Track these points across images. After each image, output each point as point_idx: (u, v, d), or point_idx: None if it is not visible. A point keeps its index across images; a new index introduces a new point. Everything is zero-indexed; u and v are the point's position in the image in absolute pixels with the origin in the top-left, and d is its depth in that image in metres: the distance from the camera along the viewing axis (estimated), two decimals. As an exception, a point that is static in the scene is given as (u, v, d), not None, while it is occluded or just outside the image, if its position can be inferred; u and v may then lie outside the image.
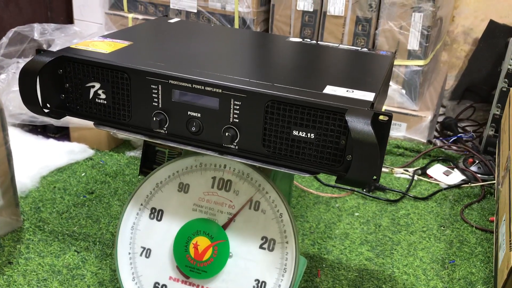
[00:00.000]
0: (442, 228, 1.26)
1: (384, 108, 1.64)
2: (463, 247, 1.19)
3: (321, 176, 1.45)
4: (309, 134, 0.66)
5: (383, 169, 1.53)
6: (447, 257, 1.15)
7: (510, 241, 0.93)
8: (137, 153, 1.51)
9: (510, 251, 0.92)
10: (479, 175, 1.49)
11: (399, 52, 1.59)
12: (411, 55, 1.59)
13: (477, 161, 1.53)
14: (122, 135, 1.34)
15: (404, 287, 1.04)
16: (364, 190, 1.39)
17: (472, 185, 1.45)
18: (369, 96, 0.67)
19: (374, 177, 0.65)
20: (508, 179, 1.15)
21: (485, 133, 1.65)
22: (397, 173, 1.52)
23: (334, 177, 0.67)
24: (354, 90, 0.69)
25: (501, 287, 0.94)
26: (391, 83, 1.61)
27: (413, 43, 1.58)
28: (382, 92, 0.77)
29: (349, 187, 1.40)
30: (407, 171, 1.52)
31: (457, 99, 2.07)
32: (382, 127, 0.62)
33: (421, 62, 1.59)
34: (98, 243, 1.09)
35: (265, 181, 0.81)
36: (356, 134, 0.60)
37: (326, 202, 1.34)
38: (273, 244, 0.81)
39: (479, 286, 1.06)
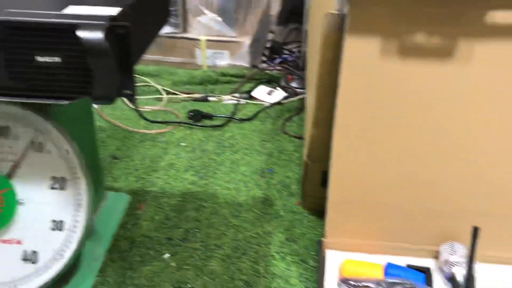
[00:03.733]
0: (264, 142, 1.33)
1: (205, 38, 1.65)
2: (281, 156, 1.27)
3: (149, 114, 1.44)
4: (54, 58, 0.63)
5: (211, 98, 1.56)
6: (267, 167, 1.22)
7: (308, 149, 1.01)
8: None
9: (308, 156, 1.00)
10: (299, 90, 1.59)
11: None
12: (222, -18, 1.60)
13: (296, 77, 1.62)
14: None
15: (225, 200, 1.09)
16: (191, 120, 1.42)
17: (292, 99, 1.55)
18: (112, 10, 0.65)
19: (129, 92, 0.64)
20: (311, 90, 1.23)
21: (302, 50, 1.75)
22: (225, 100, 1.56)
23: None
24: (100, 7, 0.67)
25: (301, 179, 1.03)
26: (206, 11, 1.62)
27: (222, -30, 1.58)
28: (145, 12, 0.76)
29: (178, 121, 1.41)
30: (234, 96, 1.57)
31: (284, 23, 2.15)
32: (122, 40, 0.62)
33: (232, -12, 1.60)
34: None
35: (44, 121, 0.77)
36: (90, 49, 0.59)
37: (152, 138, 1.33)
38: (63, 183, 0.79)
39: (293, 186, 1.15)
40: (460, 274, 0.79)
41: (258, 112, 1.47)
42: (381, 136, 0.79)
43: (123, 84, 0.64)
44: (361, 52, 0.74)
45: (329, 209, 0.86)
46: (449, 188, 0.81)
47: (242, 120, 1.44)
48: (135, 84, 0.64)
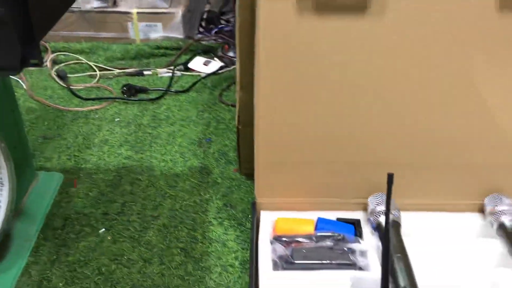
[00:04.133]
0: (201, 113, 1.33)
1: (136, 10, 1.61)
2: (219, 125, 1.27)
3: (82, 92, 1.41)
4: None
5: (147, 72, 1.53)
6: (204, 137, 1.22)
7: (238, 113, 1.01)
8: None
9: (238, 121, 1.00)
10: (235, 59, 1.58)
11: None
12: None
13: (232, 46, 1.62)
14: None
15: (161, 172, 1.09)
16: (125, 95, 1.39)
17: (229, 69, 1.54)
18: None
19: (35, 61, 0.62)
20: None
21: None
22: (160, 74, 1.54)
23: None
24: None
25: (236, 143, 1.04)
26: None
27: None
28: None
29: (112, 96, 1.38)
30: (170, 69, 1.55)
31: (220, -7, 2.12)
32: (21, 8, 0.59)
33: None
34: None
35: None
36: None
37: (85, 116, 1.30)
38: (-18, 162, 0.77)
39: (231, 153, 1.15)
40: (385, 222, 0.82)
41: (194, 83, 1.46)
42: (302, 94, 0.80)
43: (28, 54, 0.62)
44: (276, 11, 0.74)
45: (258, 171, 0.87)
46: (372, 142, 0.84)
47: (178, 92, 1.42)
48: (41, 53, 0.62)
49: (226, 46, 1.62)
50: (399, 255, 0.75)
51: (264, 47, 0.76)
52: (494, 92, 0.80)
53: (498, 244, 0.81)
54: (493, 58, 0.77)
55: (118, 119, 1.29)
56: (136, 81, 1.47)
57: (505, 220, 0.81)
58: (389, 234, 0.67)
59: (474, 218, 0.87)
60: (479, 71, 0.78)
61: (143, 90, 1.42)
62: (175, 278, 0.83)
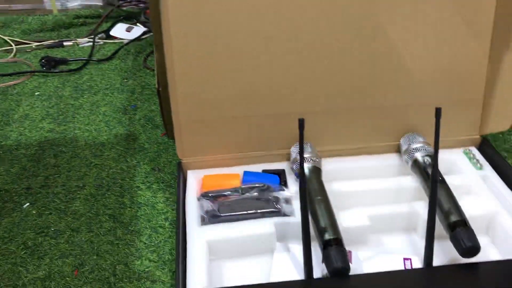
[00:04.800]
0: (125, 80, 1.30)
1: (49, -21, 1.54)
2: (144, 90, 1.25)
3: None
4: None
5: (67, 43, 1.47)
6: (129, 104, 1.20)
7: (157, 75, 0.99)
8: None
9: (158, 83, 0.99)
10: (158, 23, 1.54)
11: None
12: None
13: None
14: None
15: (86, 143, 1.06)
16: (44, 68, 1.33)
17: (152, 34, 1.51)
18: None
19: None
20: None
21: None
22: (81, 43, 1.48)
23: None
24: None
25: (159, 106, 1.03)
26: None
27: None
28: None
29: (30, 70, 1.33)
30: (91, 38, 1.49)
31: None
32: None
33: None
34: None
35: None
36: None
37: (3, 92, 1.25)
38: None
39: (157, 118, 1.14)
40: (308, 169, 0.84)
41: (117, 51, 1.42)
42: (215, 49, 0.80)
43: None
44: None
45: (181, 130, 0.87)
46: (288, 92, 0.85)
47: (100, 61, 1.38)
48: None
49: (148, 11, 1.58)
50: (319, 197, 0.77)
51: (173, 2, 0.75)
52: (400, 34, 0.83)
53: (413, 180, 0.85)
54: None
55: (38, 92, 1.24)
56: (56, 53, 1.42)
57: (418, 156, 0.85)
58: (304, 176, 0.70)
59: (392, 159, 0.91)
60: (385, 13, 0.80)
61: (64, 62, 1.37)
62: (104, 244, 0.83)
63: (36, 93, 1.23)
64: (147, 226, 0.86)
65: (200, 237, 0.76)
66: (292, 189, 0.85)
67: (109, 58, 1.39)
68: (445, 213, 0.74)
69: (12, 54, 1.42)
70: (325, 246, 0.70)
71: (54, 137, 1.08)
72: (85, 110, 1.17)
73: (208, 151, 0.89)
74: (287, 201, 0.83)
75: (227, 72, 0.83)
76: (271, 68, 0.83)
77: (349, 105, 0.86)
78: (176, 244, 0.74)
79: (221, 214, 0.79)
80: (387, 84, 0.85)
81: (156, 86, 1.00)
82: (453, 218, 0.73)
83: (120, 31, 1.51)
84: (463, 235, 0.70)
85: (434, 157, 0.70)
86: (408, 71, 0.85)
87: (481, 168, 0.88)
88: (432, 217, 0.69)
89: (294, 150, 0.88)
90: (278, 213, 0.80)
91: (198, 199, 0.84)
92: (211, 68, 0.82)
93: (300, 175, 0.69)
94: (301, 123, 0.67)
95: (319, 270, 0.71)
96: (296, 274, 0.73)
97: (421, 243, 0.72)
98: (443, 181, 0.79)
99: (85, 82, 1.28)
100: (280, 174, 0.89)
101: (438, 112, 0.68)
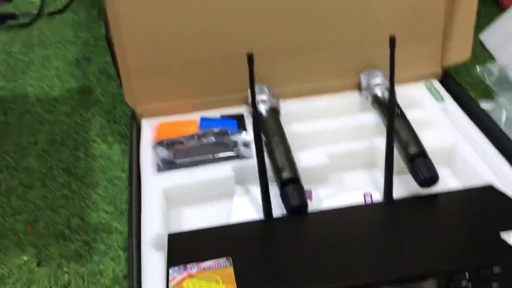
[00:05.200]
0: (79, 33, 1.23)
1: None
2: (99, 42, 1.20)
3: None
4: None
5: (15, -2, 1.39)
6: (82, 57, 1.15)
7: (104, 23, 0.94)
8: None
9: (107, 31, 0.93)
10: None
11: None
12: None
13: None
14: None
15: (38, 98, 1.02)
16: (-9, 24, 1.26)
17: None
18: None
19: None
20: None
21: None
22: (31, -3, 1.40)
23: None
24: None
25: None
26: None
27: None
28: None
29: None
30: (42, -9, 1.41)
31: None
32: None
33: None
34: None
35: None
36: None
37: None
38: None
39: (112, 70, 1.08)
40: (265, 110, 0.82)
41: (69, 3, 1.35)
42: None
43: None
44: None
45: (131, 78, 0.83)
46: (242, 33, 0.81)
47: (52, 14, 1.31)
48: None
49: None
50: (276, 138, 0.75)
51: None
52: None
53: (374, 117, 0.84)
54: None
55: (-15, 50, 1.18)
56: (4, 9, 1.34)
57: (378, 91, 0.83)
58: (258, 117, 0.67)
59: (352, 96, 0.89)
60: None
61: (12, 17, 1.29)
62: (59, 198, 0.80)
63: (-17, 51, 1.17)
64: (103, 178, 0.83)
65: (155, 185, 0.73)
66: (251, 133, 0.83)
67: (61, 11, 1.32)
68: (403, 146, 0.73)
69: (-43, 12, 1.34)
70: (283, 185, 0.69)
71: (3, 94, 1.03)
72: (36, 65, 1.12)
73: (162, 97, 0.86)
74: (246, 144, 0.81)
75: (177, 13, 0.78)
76: (223, 8, 0.79)
77: (306, 41, 0.83)
78: (129, 192, 0.72)
79: (177, 161, 0.77)
80: (344, 18, 0.82)
81: (104, 32, 0.95)
82: (412, 150, 0.71)
83: (72, -18, 1.43)
84: (421, 165, 0.69)
85: (391, 87, 0.67)
86: (365, 3, 0.82)
87: (442, 100, 0.87)
88: (390, 149, 0.68)
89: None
90: (237, 157, 0.78)
91: (153, 148, 0.81)
92: (159, 9, 0.77)
93: (253, 114, 0.66)
94: (250, 58, 0.63)
95: (280, 211, 0.70)
96: (256, 215, 0.71)
97: (382, 179, 0.71)
98: (402, 114, 0.77)
99: (36, 37, 1.21)
100: (239, 118, 0.86)
101: (392, 41, 0.65)
